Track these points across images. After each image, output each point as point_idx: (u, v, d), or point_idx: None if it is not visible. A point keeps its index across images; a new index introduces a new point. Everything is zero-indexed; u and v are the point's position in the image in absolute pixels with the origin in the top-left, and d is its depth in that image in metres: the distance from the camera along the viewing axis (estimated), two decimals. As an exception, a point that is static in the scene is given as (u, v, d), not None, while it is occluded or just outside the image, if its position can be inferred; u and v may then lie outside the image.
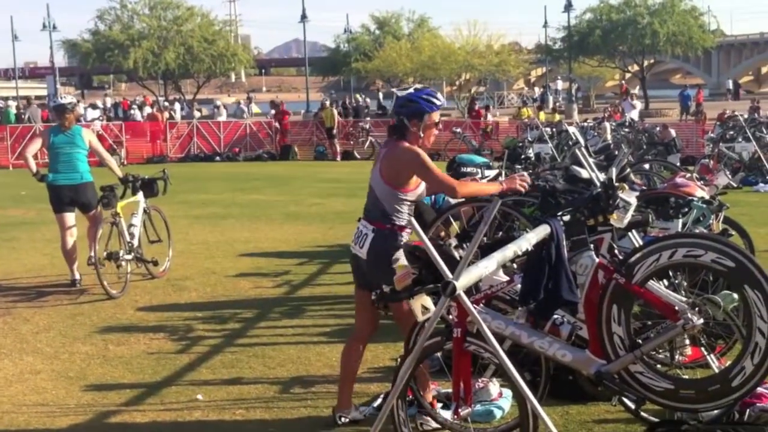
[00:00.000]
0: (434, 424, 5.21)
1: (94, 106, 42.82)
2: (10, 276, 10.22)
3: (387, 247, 5.12)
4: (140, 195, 9.89)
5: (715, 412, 4.66)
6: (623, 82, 56.97)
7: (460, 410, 4.36)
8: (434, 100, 5.23)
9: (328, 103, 32.13)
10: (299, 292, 9.25)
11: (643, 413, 5.02)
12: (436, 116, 5.26)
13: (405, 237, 5.19)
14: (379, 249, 5.14)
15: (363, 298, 5.45)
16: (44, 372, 6.72)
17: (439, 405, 5.34)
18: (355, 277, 5.49)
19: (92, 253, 9.13)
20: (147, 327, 7.94)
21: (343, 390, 5.52)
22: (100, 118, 36.19)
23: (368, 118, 33.01)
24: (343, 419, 5.44)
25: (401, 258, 5.00)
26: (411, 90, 5.32)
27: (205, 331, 7.79)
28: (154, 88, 60.99)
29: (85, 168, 9.63)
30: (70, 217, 9.58)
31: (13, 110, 38.09)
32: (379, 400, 5.66)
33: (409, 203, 5.23)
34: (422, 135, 5.22)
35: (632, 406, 4.68)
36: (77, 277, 9.54)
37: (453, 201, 6.47)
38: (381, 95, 40.26)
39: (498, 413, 5.47)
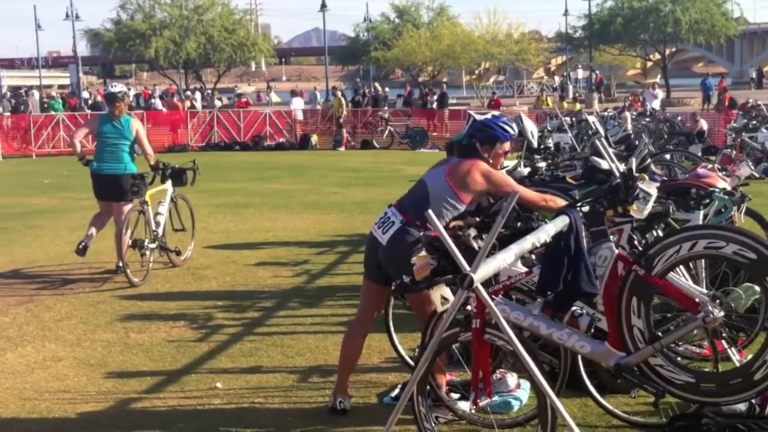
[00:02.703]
0: (450, 416, 5.21)
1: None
2: (34, 264, 10.31)
3: (409, 242, 5.11)
4: (169, 183, 9.95)
5: (737, 405, 4.63)
6: (597, 73, 55.79)
7: (479, 401, 4.37)
8: (509, 129, 5.38)
9: (339, 93, 32.16)
10: (318, 282, 9.27)
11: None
12: (507, 145, 5.43)
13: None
14: (401, 241, 5.13)
15: (371, 289, 5.48)
16: (66, 359, 6.78)
17: (456, 396, 5.35)
18: (366, 266, 5.47)
19: (120, 263, 9.27)
20: (167, 315, 7.98)
21: (341, 377, 5.56)
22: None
23: (387, 108, 32.97)
24: (341, 404, 5.46)
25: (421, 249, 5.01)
26: (488, 116, 5.44)
27: (225, 319, 7.83)
28: (175, 78, 61.27)
29: (128, 159, 9.68)
30: (112, 207, 9.69)
31: (36, 99, 38.30)
32: (397, 390, 5.68)
33: (455, 211, 5.21)
34: (491, 161, 5.34)
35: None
36: (88, 238, 9.63)
37: None
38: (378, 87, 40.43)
39: (516, 404, 5.47)
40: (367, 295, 5.54)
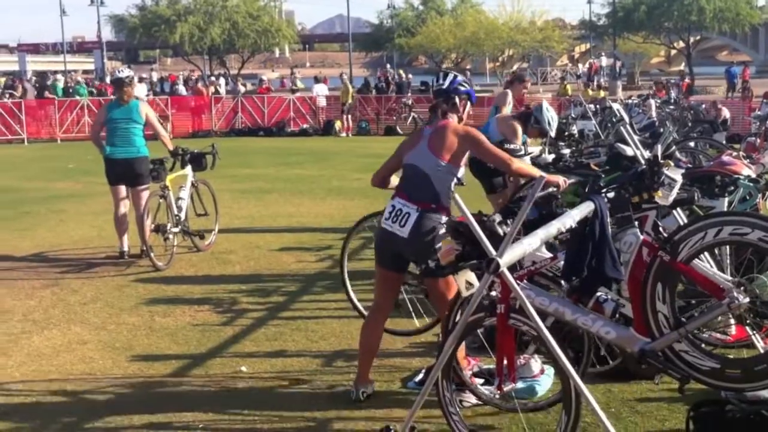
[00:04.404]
0: (474, 400, 5.22)
1: (140, 79, 43.09)
2: (59, 247, 10.40)
3: (431, 227, 5.14)
4: (189, 168, 10.00)
5: (761, 392, 4.61)
6: (593, 61, 54.65)
7: (503, 386, 4.38)
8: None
9: (347, 78, 32.24)
10: (342, 267, 9.27)
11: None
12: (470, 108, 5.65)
13: (444, 219, 5.19)
14: (424, 229, 5.15)
15: (387, 278, 5.51)
16: (91, 342, 6.85)
17: (480, 381, 5.35)
18: (380, 256, 5.49)
19: (144, 248, 9.32)
20: (192, 299, 8.04)
21: (363, 365, 5.58)
22: (148, 93, 36.41)
23: (410, 94, 32.91)
24: (364, 394, 5.49)
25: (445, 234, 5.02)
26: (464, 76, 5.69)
27: (249, 304, 7.88)
28: (199, 63, 61.47)
29: (141, 142, 9.69)
30: (124, 190, 9.69)
31: (61, 84, 38.42)
32: (421, 375, 5.70)
33: (455, 181, 5.28)
34: (464, 118, 5.53)
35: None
36: (125, 248, 9.66)
37: None
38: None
39: (540, 389, 5.47)
40: (383, 283, 5.57)
